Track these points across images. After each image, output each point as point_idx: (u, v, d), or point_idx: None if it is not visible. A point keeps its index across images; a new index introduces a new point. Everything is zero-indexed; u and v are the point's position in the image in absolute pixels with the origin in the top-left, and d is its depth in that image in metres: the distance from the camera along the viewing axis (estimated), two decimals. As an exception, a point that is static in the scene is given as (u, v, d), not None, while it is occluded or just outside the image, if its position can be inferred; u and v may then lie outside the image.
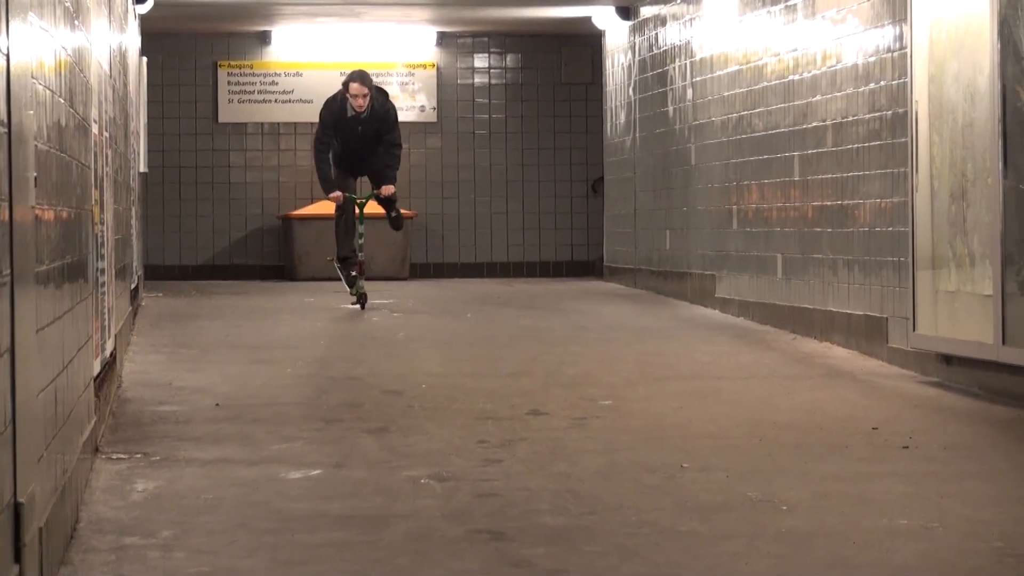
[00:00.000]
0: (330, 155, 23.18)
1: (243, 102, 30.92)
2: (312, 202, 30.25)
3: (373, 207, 23.87)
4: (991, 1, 14.19)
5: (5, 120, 6.22)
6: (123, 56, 17.99)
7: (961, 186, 14.89)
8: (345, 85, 22.85)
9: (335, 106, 23.12)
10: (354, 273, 22.81)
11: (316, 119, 30.99)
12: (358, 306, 22.78)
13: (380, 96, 23.38)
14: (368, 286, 27.66)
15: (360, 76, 22.94)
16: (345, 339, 19.57)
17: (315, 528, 9.16)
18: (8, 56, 6.36)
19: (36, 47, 7.59)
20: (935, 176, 15.38)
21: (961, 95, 14.87)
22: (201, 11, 26.89)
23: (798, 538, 9.00)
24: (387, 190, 23.17)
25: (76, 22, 10.18)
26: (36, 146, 7.35)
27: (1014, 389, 13.93)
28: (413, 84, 31.23)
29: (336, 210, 23.61)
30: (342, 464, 11.13)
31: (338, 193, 22.98)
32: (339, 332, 20.49)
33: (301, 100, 30.79)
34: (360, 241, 22.93)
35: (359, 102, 22.65)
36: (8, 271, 6.21)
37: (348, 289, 23.05)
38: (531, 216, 31.31)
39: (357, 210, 23.00)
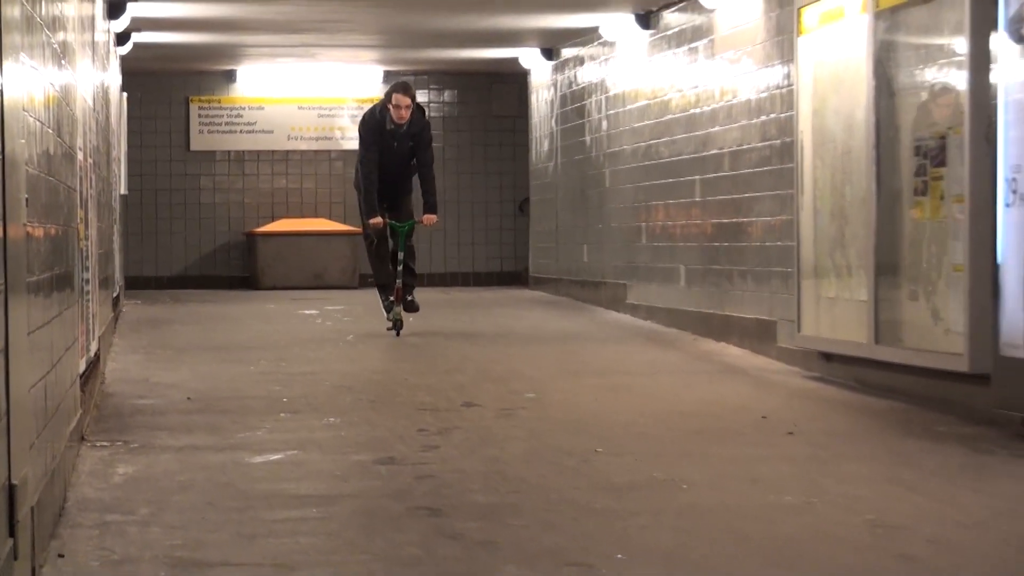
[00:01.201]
0: (377, 176, 19.19)
1: (212, 132, 30.78)
2: (273, 220, 30.28)
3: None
4: (867, 44, 14.25)
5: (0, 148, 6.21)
6: (105, 92, 17.92)
7: (840, 206, 14.94)
8: (388, 95, 19.20)
9: (373, 120, 19.31)
10: (391, 299, 19.36)
11: (278, 148, 31.35)
12: (394, 332, 19.27)
13: (418, 112, 19.52)
14: (320, 295, 27.77)
15: (404, 86, 19.28)
16: (302, 341, 19.50)
17: (274, 506, 9.16)
18: (2, 91, 6.34)
19: (27, 84, 7.56)
20: (818, 197, 15.42)
21: (840, 126, 14.93)
22: (174, 52, 26.75)
23: (697, 512, 9.04)
24: (430, 219, 19.54)
25: (63, 62, 10.14)
26: (27, 171, 7.32)
27: (886, 383, 13.99)
28: (361, 115, 31.12)
29: (367, 237, 19.81)
30: (299, 450, 11.13)
31: (379, 219, 19.16)
32: (296, 335, 20.43)
33: (263, 131, 30.71)
34: (401, 268, 19.31)
35: (401, 113, 18.89)
36: (2, 281, 6.20)
37: (385, 314, 19.62)
38: (465, 232, 31.28)
39: (394, 236, 19.40)
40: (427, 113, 20.10)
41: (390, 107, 18.86)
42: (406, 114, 18.81)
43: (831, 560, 7.89)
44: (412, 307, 19.34)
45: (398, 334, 18.98)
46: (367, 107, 30.88)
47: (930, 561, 7.86)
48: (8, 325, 6.41)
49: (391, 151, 19.01)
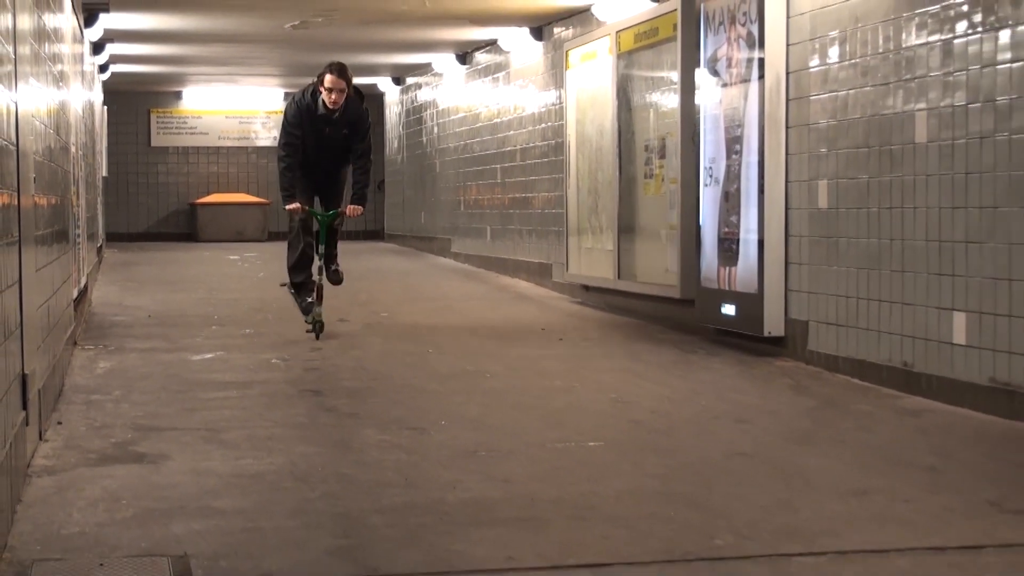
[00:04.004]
0: (297, 159, 12.33)
1: (166, 134, 30.61)
2: (208, 194, 30.26)
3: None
4: (612, 76, 14.34)
5: (15, 143, 6.18)
6: (91, 105, 17.73)
7: (595, 186, 15.03)
8: (320, 77, 12.15)
9: (302, 104, 12.30)
10: (310, 300, 12.34)
11: (211, 145, 31.24)
12: (313, 335, 12.02)
13: (356, 98, 12.40)
14: (241, 246, 27.56)
15: (340, 68, 12.17)
16: (227, 277, 19.36)
17: (207, 389, 9.13)
18: (17, 104, 6.32)
19: (35, 99, 7.54)
20: (579, 180, 15.51)
21: (595, 132, 15.00)
22: (140, 78, 26.58)
23: (496, 393, 9.09)
24: (355, 211, 12.36)
25: (60, 84, 10.07)
26: (35, 159, 7.29)
27: (625, 305, 14.12)
28: (269, 122, 30.79)
29: (290, 227, 12.79)
30: (224, 351, 11.08)
31: (297, 204, 12.26)
32: (224, 273, 20.27)
33: (201, 133, 30.71)
34: (321, 262, 12.34)
35: (335, 98, 12.08)
36: (17, 234, 6.18)
37: (304, 316, 12.47)
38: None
39: (317, 226, 12.45)
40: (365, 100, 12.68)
41: (322, 90, 12.07)
42: (340, 99, 12.07)
43: (586, 423, 7.98)
44: (337, 277, 12.59)
45: (317, 337, 11.86)
46: (273, 116, 31.52)
47: (651, 423, 7.97)
48: (22, 265, 6.39)
49: (321, 138, 12.21)
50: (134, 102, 29.96)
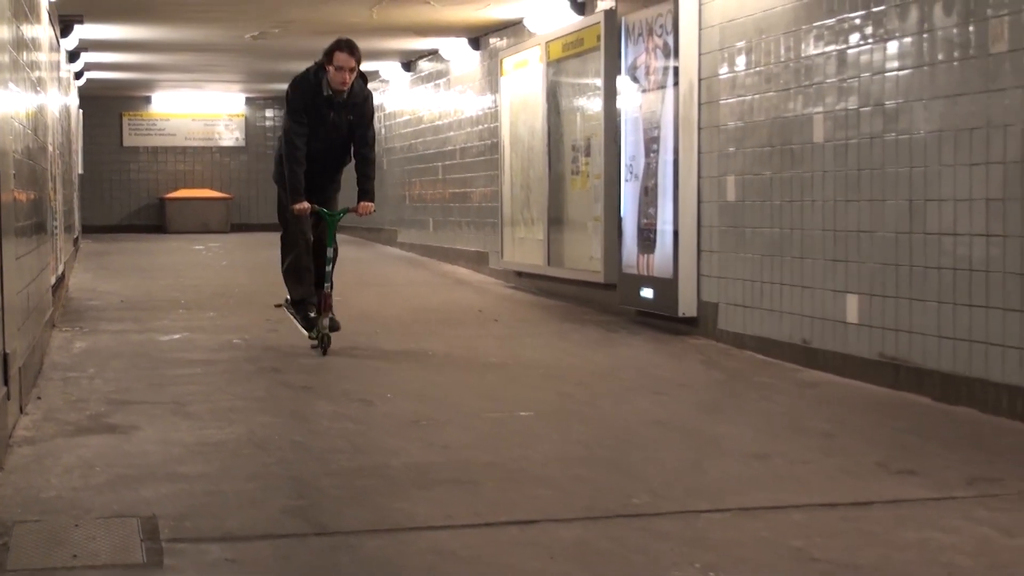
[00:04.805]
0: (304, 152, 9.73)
1: (137, 135, 30.39)
2: (176, 190, 30.10)
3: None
4: (542, 82, 14.36)
5: (-4, 142, 6.15)
6: (68, 108, 17.62)
7: (527, 182, 15.04)
8: (328, 54, 9.70)
9: (307, 84, 9.80)
10: (312, 314, 9.85)
11: (179, 145, 31.06)
12: (319, 350, 9.68)
13: (361, 81, 9.91)
14: (206, 237, 27.44)
15: (349, 44, 9.73)
16: (193, 265, 19.26)
17: (174, 367, 9.10)
18: (-2, 107, 6.29)
19: (14, 103, 7.49)
20: (513, 176, 15.53)
21: (527, 133, 15.02)
22: (112, 84, 26.37)
23: (437, 366, 9.11)
24: (367, 208, 9.94)
25: (38, 89, 10.00)
26: (14, 157, 7.25)
27: (554, 290, 14.16)
28: (232, 124, 30.75)
29: (288, 239, 10.11)
30: (190, 332, 11.04)
31: (305, 204, 9.72)
32: (190, 261, 20.17)
33: (169, 134, 30.52)
34: (329, 268, 9.88)
35: (345, 77, 9.62)
36: (-1, 225, 6.16)
37: (305, 332, 9.88)
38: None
39: (318, 227, 10.01)
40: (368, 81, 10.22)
41: (330, 68, 9.67)
42: (350, 79, 9.69)
43: (518, 395, 8.00)
44: (334, 325, 9.84)
45: (324, 353, 9.59)
46: (235, 119, 31.42)
47: (576, 395, 8.00)
48: (2, 253, 6.36)
49: (325, 124, 9.77)
50: (107, 106, 29.75)
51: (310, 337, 9.83)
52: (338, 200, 10.20)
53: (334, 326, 9.82)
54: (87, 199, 28.27)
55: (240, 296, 14.18)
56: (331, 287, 9.85)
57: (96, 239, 26.43)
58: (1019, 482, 5.63)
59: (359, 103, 9.88)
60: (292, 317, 10.09)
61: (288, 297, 10.11)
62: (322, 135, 9.77)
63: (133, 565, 4.40)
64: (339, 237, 10.28)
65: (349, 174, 10.07)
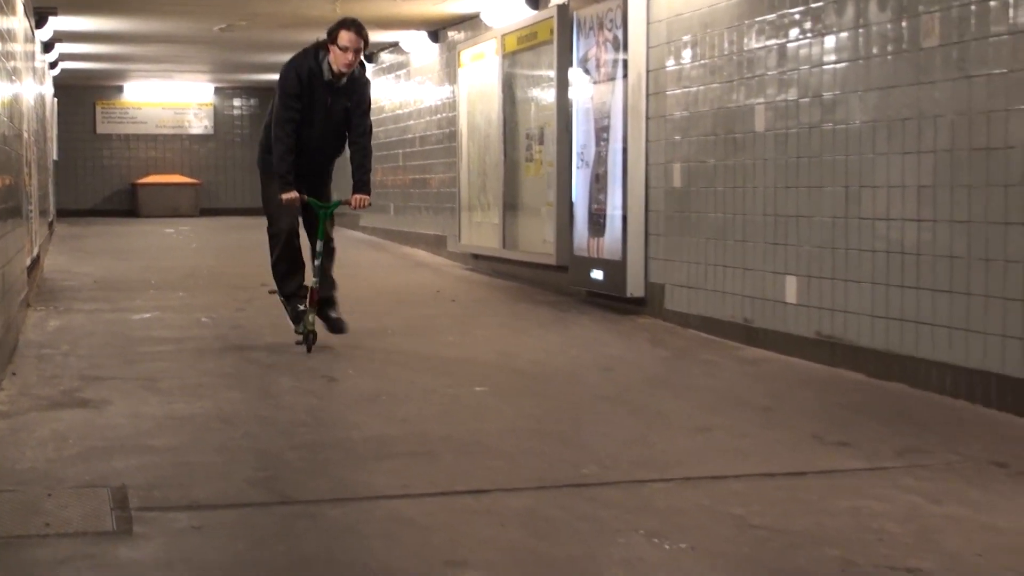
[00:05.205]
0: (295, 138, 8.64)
1: (109, 123, 30.21)
2: (148, 175, 29.99)
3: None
4: (498, 74, 14.35)
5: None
6: (42, 97, 17.49)
7: (483, 169, 15.04)
8: (332, 33, 8.51)
9: (305, 66, 8.58)
10: (302, 308, 8.84)
11: (150, 133, 30.96)
12: (304, 347, 8.69)
13: (359, 66, 8.80)
14: (176, 221, 27.30)
15: (356, 24, 8.55)
16: (164, 248, 19.17)
17: (145, 344, 9.07)
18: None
19: (-10, 90, 7.43)
20: (470, 163, 15.51)
21: (483, 122, 15.01)
22: (86, 74, 26.22)
23: (396, 347, 9.09)
24: (362, 201, 8.89)
25: (13, 78, 9.92)
26: (-10, 143, 7.20)
27: (509, 272, 14.16)
28: (201, 113, 30.61)
29: (276, 221, 9.06)
30: (160, 311, 11.00)
31: (295, 194, 8.66)
32: (161, 244, 20.08)
33: (141, 122, 30.35)
34: (317, 263, 8.89)
35: (349, 59, 8.46)
36: (-25, 208, 6.12)
37: (294, 326, 8.93)
38: (258, 184, 30.88)
39: (309, 220, 9.02)
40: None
41: (334, 49, 8.46)
42: (355, 61, 8.55)
43: (473, 372, 8.01)
44: (340, 327, 8.93)
45: (309, 350, 8.61)
46: (204, 108, 31.34)
47: (529, 371, 8.02)
48: (-22, 235, 6.32)
49: (323, 110, 8.64)
50: (81, 95, 29.59)
51: (296, 332, 8.84)
52: (331, 191, 9.16)
53: (338, 327, 8.90)
54: (62, 184, 28.10)
55: (209, 277, 14.12)
56: (319, 283, 8.75)
57: (70, 223, 26.26)
58: (946, 453, 5.69)
59: (358, 89, 8.75)
60: (283, 306, 9.18)
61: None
62: (317, 122, 8.66)
63: (104, 533, 4.39)
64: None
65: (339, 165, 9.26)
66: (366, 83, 8.87)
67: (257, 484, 5.08)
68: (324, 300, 8.91)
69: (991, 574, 4.00)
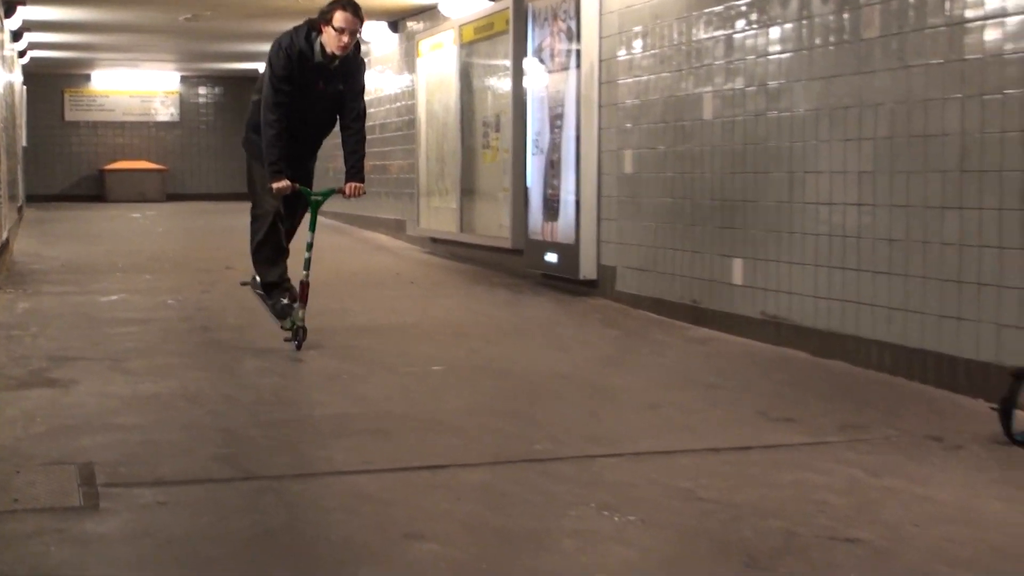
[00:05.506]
0: (285, 124, 7.74)
1: (77, 110, 30.02)
2: (115, 161, 29.83)
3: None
4: (456, 63, 14.32)
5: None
6: (12, 85, 17.35)
7: (441, 155, 15.01)
8: (326, 14, 7.66)
9: (295, 48, 7.73)
10: (285, 301, 8.10)
11: (117, 120, 30.81)
12: (293, 344, 7.85)
13: (354, 48, 7.82)
14: (143, 206, 27.21)
15: (352, 3, 7.66)
16: (131, 232, 19.04)
17: (113, 326, 9.00)
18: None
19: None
20: (428, 150, 15.49)
21: (441, 110, 14.98)
22: (54, 62, 26.04)
23: (358, 326, 9.04)
24: (357, 189, 8.12)
25: (-18, 66, 9.82)
26: (-41, 129, 7.12)
27: (467, 255, 14.14)
28: (167, 101, 30.44)
29: (261, 205, 8.05)
30: (127, 294, 10.92)
31: (287, 182, 7.77)
32: (128, 228, 19.94)
33: (108, 110, 30.20)
34: (308, 255, 7.87)
35: (345, 42, 7.61)
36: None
37: (277, 321, 8.10)
38: (227, 167, 30.75)
39: (291, 210, 8.23)
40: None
41: (328, 30, 7.64)
42: (351, 44, 7.68)
43: (431, 351, 7.98)
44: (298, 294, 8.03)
45: (299, 347, 7.80)
46: (170, 96, 31.22)
47: (485, 351, 8.01)
48: (-52, 219, 6.26)
49: (312, 95, 7.84)
50: (50, 83, 29.40)
51: (283, 328, 8.01)
52: (314, 174, 8.38)
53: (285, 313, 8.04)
54: (31, 170, 27.88)
55: (175, 260, 14.03)
56: (307, 276, 7.93)
57: (39, 207, 26.04)
58: (885, 428, 5.72)
59: (352, 71, 7.91)
60: (261, 301, 8.27)
61: (256, 276, 8.28)
62: (307, 106, 7.82)
63: (71, 508, 4.36)
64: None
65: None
66: (361, 64, 8.02)
67: (221, 460, 5.05)
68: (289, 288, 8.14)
69: (927, 543, 4.03)
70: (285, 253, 8.20)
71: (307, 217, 8.16)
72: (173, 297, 10.65)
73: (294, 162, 7.92)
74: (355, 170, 8.04)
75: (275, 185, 7.74)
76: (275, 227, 8.06)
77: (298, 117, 7.82)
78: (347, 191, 8.03)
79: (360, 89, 8.02)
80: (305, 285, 7.90)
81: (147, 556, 3.88)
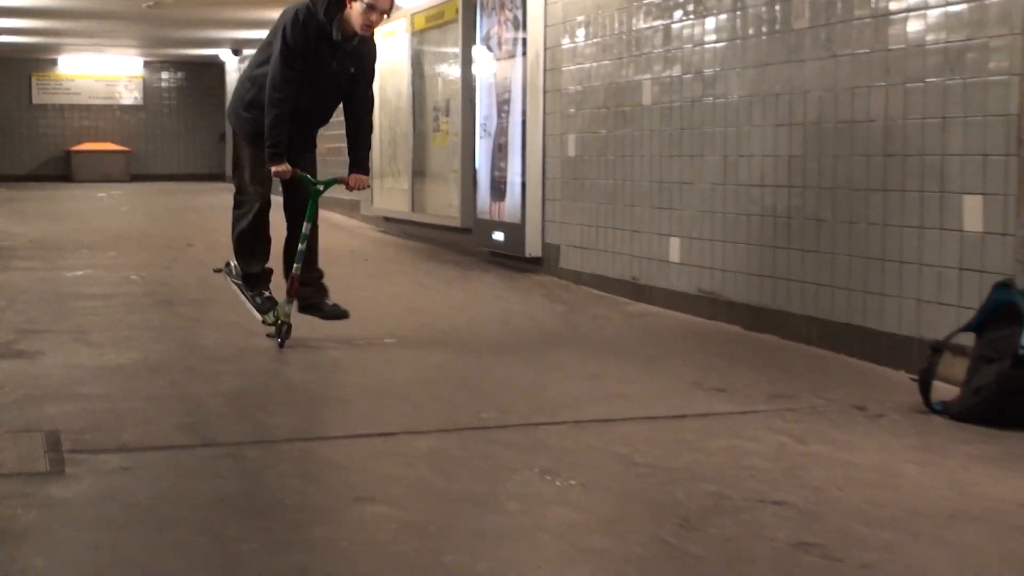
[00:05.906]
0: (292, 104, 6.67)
1: (45, 94, 29.91)
2: (81, 143, 29.65)
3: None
4: (408, 50, 14.28)
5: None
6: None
7: (394, 139, 14.97)
8: None
9: (312, 24, 6.55)
10: (267, 294, 7.24)
11: (83, 103, 30.57)
12: (277, 340, 6.95)
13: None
14: (108, 186, 27.01)
15: None
16: (96, 211, 18.89)
17: (78, 300, 8.94)
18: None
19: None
20: (382, 133, 15.41)
21: (394, 96, 14.93)
22: (22, 47, 25.89)
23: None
24: (361, 182, 7.06)
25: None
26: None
27: (417, 233, 14.13)
28: (131, 85, 30.27)
29: (246, 189, 7.18)
30: (92, 269, 10.85)
31: (287, 166, 6.78)
32: (93, 208, 19.78)
33: (75, 93, 30.29)
34: (302, 246, 7.10)
35: (372, 19, 6.47)
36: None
37: (258, 316, 7.16)
38: (192, 149, 30.60)
39: (293, 200, 7.24)
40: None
41: (355, 6, 6.52)
42: (378, 24, 6.67)
43: (384, 325, 7.97)
44: (338, 312, 7.23)
45: (282, 345, 6.92)
46: (134, 80, 30.98)
47: (435, 325, 8.02)
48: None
49: (323, 76, 6.75)
50: (18, 67, 29.20)
51: (264, 323, 7.14)
52: (315, 162, 7.41)
53: (337, 312, 7.23)
54: (0, 150, 27.70)
55: (138, 238, 13.94)
56: (299, 269, 7.11)
57: (7, 188, 25.76)
58: (812, 397, 5.78)
59: (365, 54, 6.89)
60: (239, 291, 7.38)
61: (232, 263, 7.44)
62: (315, 86, 6.78)
63: (37, 473, 4.34)
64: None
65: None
66: (374, 48, 7.00)
67: (183, 428, 5.04)
68: (311, 287, 7.24)
69: (849, 505, 4.08)
70: (267, 244, 7.29)
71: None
72: (137, 273, 10.58)
73: (291, 145, 6.92)
74: (361, 161, 7.07)
75: (274, 169, 6.82)
76: (261, 216, 7.15)
77: (303, 98, 6.79)
78: (351, 183, 7.06)
79: (371, 75, 7.06)
80: (295, 278, 7.05)
81: (110, 518, 3.88)
